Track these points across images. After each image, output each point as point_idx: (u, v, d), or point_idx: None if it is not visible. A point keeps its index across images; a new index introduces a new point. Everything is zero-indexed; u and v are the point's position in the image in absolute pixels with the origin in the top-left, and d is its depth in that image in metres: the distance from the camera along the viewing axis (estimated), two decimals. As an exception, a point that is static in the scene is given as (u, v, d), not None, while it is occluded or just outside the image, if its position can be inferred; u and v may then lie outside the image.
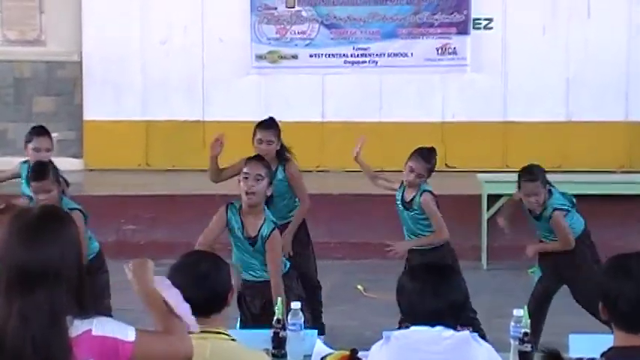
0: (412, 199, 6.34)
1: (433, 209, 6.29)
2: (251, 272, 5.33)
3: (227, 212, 5.33)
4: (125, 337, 2.67)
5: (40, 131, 6.85)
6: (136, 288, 2.84)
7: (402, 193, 6.41)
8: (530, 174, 6.28)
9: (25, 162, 6.87)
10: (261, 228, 5.24)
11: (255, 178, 5.19)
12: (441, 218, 6.26)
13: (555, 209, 6.22)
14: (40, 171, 5.72)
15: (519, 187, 6.30)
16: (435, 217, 6.27)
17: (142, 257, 2.90)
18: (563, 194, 6.38)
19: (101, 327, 2.66)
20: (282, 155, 6.68)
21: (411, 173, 6.31)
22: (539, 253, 6.48)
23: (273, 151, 6.63)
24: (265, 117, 7.06)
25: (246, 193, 5.19)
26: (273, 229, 5.24)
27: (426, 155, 6.38)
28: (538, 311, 6.23)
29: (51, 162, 6.03)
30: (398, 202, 6.43)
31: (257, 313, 5.32)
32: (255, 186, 5.18)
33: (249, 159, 5.48)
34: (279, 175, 6.57)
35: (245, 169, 5.25)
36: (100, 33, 11.81)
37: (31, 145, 6.73)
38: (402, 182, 6.41)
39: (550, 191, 6.28)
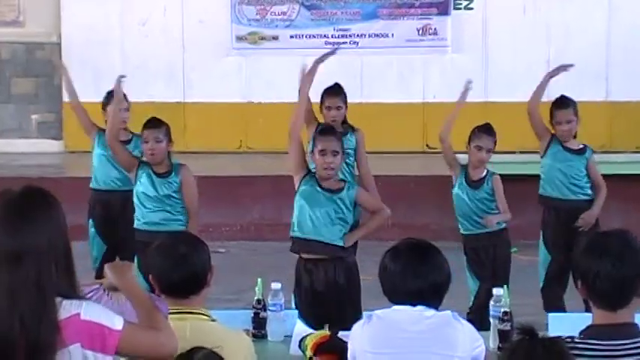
0: (483, 179, 6.18)
1: (502, 192, 6.23)
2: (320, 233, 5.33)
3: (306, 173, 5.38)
4: (112, 325, 2.66)
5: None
6: (120, 284, 2.84)
7: (465, 173, 6.21)
8: (565, 100, 6.56)
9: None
10: (343, 188, 5.34)
11: (332, 153, 5.28)
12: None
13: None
14: (157, 120, 6.03)
15: (552, 117, 6.49)
16: (503, 199, 6.20)
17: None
18: None
19: (90, 312, 2.65)
20: (348, 122, 6.72)
21: (480, 151, 6.14)
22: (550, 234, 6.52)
23: (342, 116, 6.64)
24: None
25: (325, 169, 5.29)
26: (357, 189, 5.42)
27: (488, 130, 6.24)
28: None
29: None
30: (461, 183, 6.21)
31: (320, 290, 5.33)
32: (333, 162, 5.28)
33: (323, 132, 5.48)
34: (351, 141, 6.56)
35: (321, 145, 5.31)
36: (79, 14, 11.73)
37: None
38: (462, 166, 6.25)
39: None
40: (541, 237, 6.63)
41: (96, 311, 2.66)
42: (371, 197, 5.66)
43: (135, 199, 5.95)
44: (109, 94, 7.07)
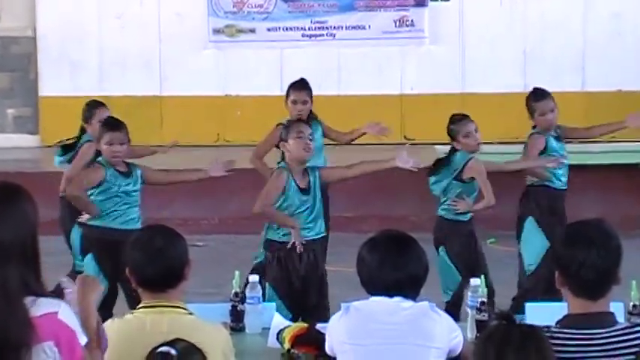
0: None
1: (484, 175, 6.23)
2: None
3: (285, 175, 5.51)
4: (81, 337, 2.64)
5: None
6: (79, 299, 2.77)
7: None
8: (544, 91, 6.60)
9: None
10: (309, 178, 5.51)
11: (308, 137, 5.48)
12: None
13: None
14: (118, 122, 6.00)
15: (533, 111, 6.53)
16: (486, 182, 6.19)
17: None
18: None
19: (67, 315, 2.61)
20: (313, 114, 6.92)
21: (478, 132, 6.09)
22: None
23: (308, 110, 6.81)
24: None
25: (304, 150, 5.46)
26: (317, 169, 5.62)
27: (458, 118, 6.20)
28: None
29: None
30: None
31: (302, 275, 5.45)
32: (310, 144, 5.47)
33: (295, 122, 5.75)
34: (318, 131, 6.77)
35: (299, 130, 5.50)
36: (55, 7, 11.67)
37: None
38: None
39: None
40: (534, 222, 6.60)
41: (72, 316, 2.63)
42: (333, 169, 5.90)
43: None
44: (89, 107, 6.98)
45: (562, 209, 6.60)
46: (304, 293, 5.39)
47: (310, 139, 5.47)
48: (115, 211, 5.81)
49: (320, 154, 6.86)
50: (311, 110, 6.92)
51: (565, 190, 6.65)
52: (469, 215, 6.17)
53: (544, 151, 6.60)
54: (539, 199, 6.60)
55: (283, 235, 5.47)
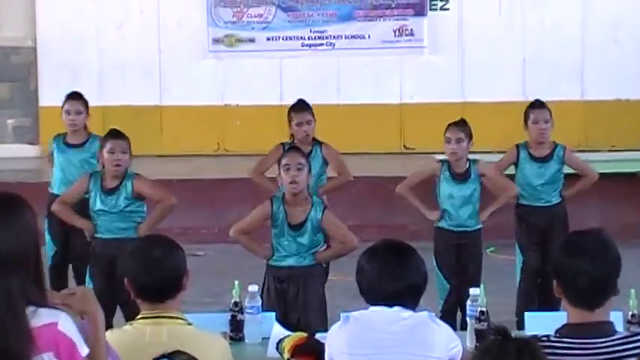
0: (467, 170, 6.21)
1: (495, 173, 6.35)
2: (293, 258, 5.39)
3: (272, 205, 5.40)
4: (81, 348, 2.62)
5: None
6: (90, 319, 2.72)
7: (448, 170, 6.25)
8: (542, 102, 6.62)
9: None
10: (309, 214, 5.35)
11: (296, 167, 5.33)
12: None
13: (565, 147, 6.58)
14: (120, 132, 6.01)
15: (527, 118, 6.57)
16: (501, 178, 6.33)
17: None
18: None
19: (67, 325, 2.60)
20: (316, 138, 6.82)
21: (460, 143, 6.14)
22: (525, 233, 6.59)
23: (312, 130, 6.72)
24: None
25: (290, 183, 5.31)
26: (324, 209, 5.40)
27: (460, 122, 6.27)
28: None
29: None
30: (445, 181, 6.24)
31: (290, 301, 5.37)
32: (298, 176, 5.31)
33: (288, 150, 5.61)
34: (318, 155, 6.70)
35: (285, 161, 5.37)
36: (55, 17, 11.69)
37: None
38: (442, 162, 6.31)
39: None
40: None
41: (72, 327, 2.62)
42: (336, 227, 5.50)
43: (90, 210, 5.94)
44: (67, 97, 7.07)
45: (547, 225, 6.55)
46: (285, 316, 5.25)
47: (299, 169, 5.31)
48: (102, 223, 5.86)
49: (318, 179, 6.71)
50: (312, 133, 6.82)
51: (548, 207, 6.58)
52: (461, 225, 6.18)
53: (517, 164, 6.65)
54: (517, 215, 6.67)
55: (271, 258, 5.43)
